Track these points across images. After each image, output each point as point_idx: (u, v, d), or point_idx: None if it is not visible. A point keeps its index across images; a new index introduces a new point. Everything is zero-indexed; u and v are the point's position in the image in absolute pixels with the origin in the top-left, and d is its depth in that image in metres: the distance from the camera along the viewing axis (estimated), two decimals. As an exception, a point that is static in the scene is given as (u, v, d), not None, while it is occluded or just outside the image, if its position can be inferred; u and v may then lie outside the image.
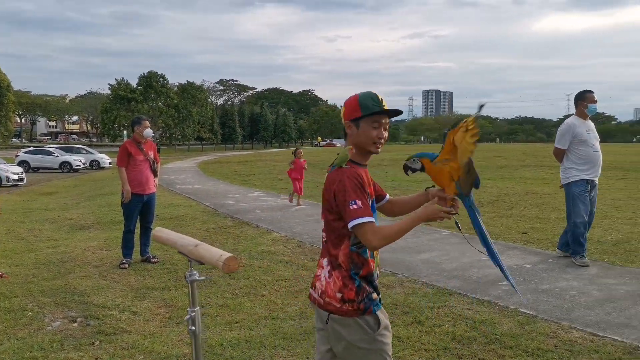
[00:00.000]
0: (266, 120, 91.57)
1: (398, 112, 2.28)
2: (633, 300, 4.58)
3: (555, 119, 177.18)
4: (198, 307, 1.97)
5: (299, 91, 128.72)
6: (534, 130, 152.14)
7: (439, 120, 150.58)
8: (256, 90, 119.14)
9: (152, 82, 65.44)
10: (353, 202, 2.05)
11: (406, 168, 2.36)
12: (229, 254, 1.74)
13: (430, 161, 2.25)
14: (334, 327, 2.17)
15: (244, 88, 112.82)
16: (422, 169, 2.30)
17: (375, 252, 2.21)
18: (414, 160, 2.33)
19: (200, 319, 1.98)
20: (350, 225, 2.06)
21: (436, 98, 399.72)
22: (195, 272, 1.94)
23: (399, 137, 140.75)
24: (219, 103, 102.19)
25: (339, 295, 2.15)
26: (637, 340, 3.73)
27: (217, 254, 1.74)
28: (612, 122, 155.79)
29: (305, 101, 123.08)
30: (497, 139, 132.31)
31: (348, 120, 2.20)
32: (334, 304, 2.16)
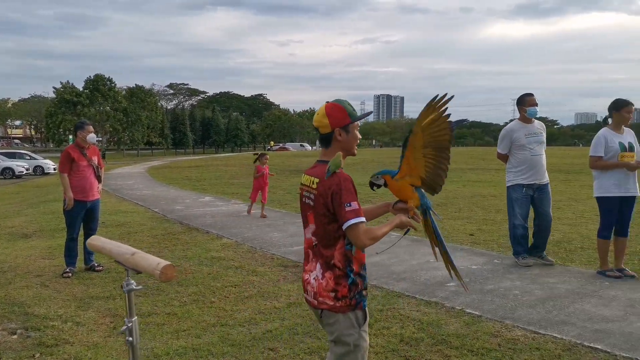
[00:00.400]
0: (218, 124, 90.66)
1: (369, 113, 2.90)
2: (572, 298, 4.75)
3: (502, 123, 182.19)
4: (135, 318, 1.92)
5: (251, 95, 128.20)
6: (481, 134, 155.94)
7: (390, 125, 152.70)
8: (207, 94, 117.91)
9: (99, 85, 63.82)
10: (348, 205, 2.27)
11: (371, 184, 2.61)
12: (166, 262, 1.70)
13: (392, 178, 2.55)
14: (329, 321, 2.41)
15: (195, 92, 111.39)
16: (385, 185, 2.56)
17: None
18: (377, 177, 2.61)
19: (138, 329, 1.93)
20: (345, 225, 2.27)
21: (387, 103, 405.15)
22: (132, 282, 1.89)
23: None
24: (169, 107, 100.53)
25: (332, 294, 2.36)
26: (576, 337, 3.87)
27: (154, 262, 1.70)
28: (555, 127, 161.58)
29: (258, 105, 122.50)
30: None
31: (338, 128, 2.42)
32: (327, 302, 2.38)
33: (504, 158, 6.14)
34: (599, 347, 3.70)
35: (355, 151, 2.50)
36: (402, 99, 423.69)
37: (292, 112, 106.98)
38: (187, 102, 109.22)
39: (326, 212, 2.34)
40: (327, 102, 2.50)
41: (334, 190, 2.29)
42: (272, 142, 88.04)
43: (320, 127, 2.46)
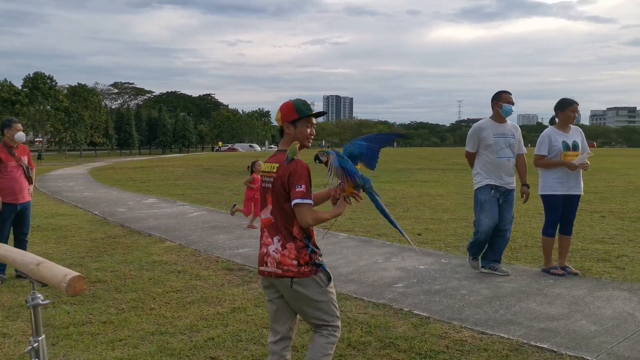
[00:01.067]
0: (165, 124, 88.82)
1: (323, 113, 2.98)
2: (518, 297, 4.76)
3: (447, 124, 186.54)
4: (43, 337, 1.71)
5: (199, 95, 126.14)
6: (428, 134, 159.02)
7: (340, 125, 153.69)
8: (154, 93, 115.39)
9: (38, 83, 61.34)
10: (299, 186, 2.65)
11: (316, 157, 2.85)
12: (75, 274, 1.51)
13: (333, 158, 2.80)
14: (297, 290, 2.73)
15: (140, 91, 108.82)
16: (326, 164, 2.80)
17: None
18: (324, 154, 2.83)
19: (46, 349, 1.72)
20: (293, 202, 2.66)
21: (337, 103, 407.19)
22: (39, 296, 1.68)
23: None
24: (113, 107, 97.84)
25: (294, 262, 2.71)
26: (522, 337, 3.85)
27: (60, 273, 1.51)
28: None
29: (206, 106, 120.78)
30: (395, 144, 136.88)
31: (286, 122, 2.82)
32: (292, 269, 2.71)
33: (472, 157, 5.64)
34: (545, 346, 3.69)
35: (308, 144, 2.86)
36: (351, 99, 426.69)
37: (241, 113, 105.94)
38: (133, 102, 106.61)
39: (283, 192, 2.74)
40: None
41: (290, 173, 2.70)
42: (220, 143, 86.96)
43: (277, 121, 2.91)
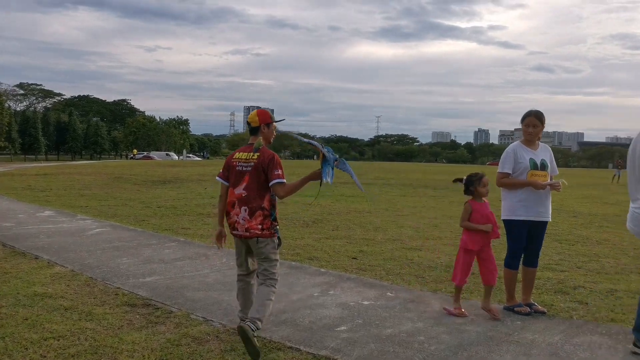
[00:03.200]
0: (75, 129, 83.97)
1: (283, 119, 4.53)
2: (488, 346, 3.96)
3: (366, 139, 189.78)
4: None
5: (114, 100, 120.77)
6: (348, 148, 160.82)
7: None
8: (64, 97, 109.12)
9: None
10: (277, 170, 3.87)
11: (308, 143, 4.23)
12: None
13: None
14: (260, 246, 3.92)
15: (49, 94, 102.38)
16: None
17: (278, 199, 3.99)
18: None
19: None
20: (272, 182, 3.86)
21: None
22: None
23: (219, 152, 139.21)
24: (18, 109, 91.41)
25: (259, 226, 3.87)
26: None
27: None
28: (415, 144, 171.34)
29: (121, 111, 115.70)
30: (315, 157, 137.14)
31: (263, 124, 4.06)
32: (257, 232, 3.87)
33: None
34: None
35: (271, 141, 4.11)
36: (272, 111, 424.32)
37: (158, 120, 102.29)
38: (41, 105, 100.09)
39: (262, 174, 3.88)
40: (259, 108, 4.57)
41: (269, 159, 3.88)
42: (134, 150, 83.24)
43: (252, 122, 4.06)
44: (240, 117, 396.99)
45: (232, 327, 4.29)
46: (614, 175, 37.62)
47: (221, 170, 4.16)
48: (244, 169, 3.95)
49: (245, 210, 3.87)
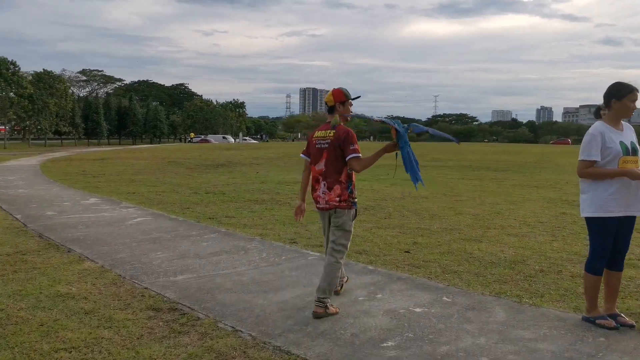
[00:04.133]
0: (135, 114, 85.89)
1: (358, 97, 4.55)
2: (567, 373, 3.25)
3: (424, 119, 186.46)
4: None
5: (172, 85, 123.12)
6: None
7: (316, 118, 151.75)
8: (124, 82, 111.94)
9: (1, 69, 58.22)
10: (352, 145, 4.14)
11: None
12: None
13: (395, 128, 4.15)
14: (337, 215, 4.22)
15: (110, 79, 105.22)
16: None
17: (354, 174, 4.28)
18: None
19: None
20: (348, 157, 4.14)
21: (313, 96, 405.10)
22: None
23: (275, 134, 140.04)
24: (81, 95, 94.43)
25: (337, 199, 4.19)
26: None
27: None
28: (474, 123, 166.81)
29: (179, 95, 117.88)
30: (371, 137, 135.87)
31: (338, 102, 4.35)
32: (335, 204, 4.20)
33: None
34: None
35: (349, 117, 4.41)
36: (327, 92, 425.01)
37: (215, 103, 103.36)
38: (102, 90, 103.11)
39: (338, 150, 4.19)
40: (334, 88, 4.41)
41: (345, 136, 4.18)
42: (192, 134, 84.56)
43: (328, 102, 4.39)
44: (295, 99, 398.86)
45: (263, 339, 3.74)
46: None
47: (305, 148, 4.54)
48: (323, 146, 4.28)
49: (325, 184, 4.23)
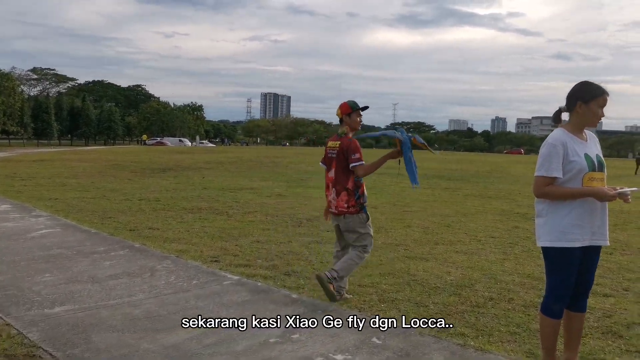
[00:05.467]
0: (88, 114, 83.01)
1: (366, 107, 4.77)
2: None
3: (383, 126, 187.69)
4: None
5: (129, 86, 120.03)
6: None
7: (276, 123, 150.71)
8: (77, 82, 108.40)
9: (-59, 65, 55.25)
10: (354, 155, 4.49)
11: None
12: None
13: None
14: (346, 220, 4.58)
15: (62, 79, 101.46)
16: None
17: (363, 179, 4.62)
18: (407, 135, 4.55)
19: None
20: (351, 165, 4.49)
21: (274, 101, 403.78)
22: None
23: (235, 138, 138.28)
24: (32, 94, 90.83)
25: (345, 205, 4.54)
26: None
27: None
28: (431, 132, 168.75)
29: (135, 97, 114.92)
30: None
31: (345, 115, 4.68)
32: (343, 209, 4.55)
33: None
34: None
35: (358, 127, 4.74)
36: (289, 98, 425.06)
37: (173, 106, 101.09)
38: (54, 90, 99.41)
39: (344, 159, 4.55)
40: (343, 102, 4.74)
41: (348, 146, 4.53)
42: (144, 136, 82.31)
43: (338, 115, 4.73)
44: (257, 104, 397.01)
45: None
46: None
47: (323, 157, 4.89)
48: (332, 155, 4.68)
49: (334, 191, 4.60)
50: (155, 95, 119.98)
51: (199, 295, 4.71)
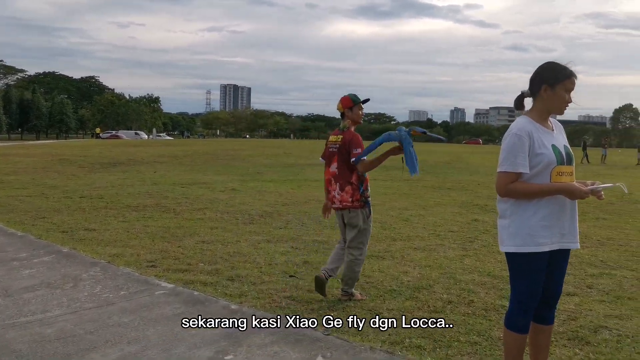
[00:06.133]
0: (39, 107, 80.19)
1: (367, 100, 4.74)
2: None
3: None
4: None
5: (82, 77, 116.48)
6: (325, 127, 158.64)
7: (236, 115, 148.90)
8: (27, 73, 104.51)
9: None
10: (356, 149, 4.43)
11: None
12: None
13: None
14: (350, 215, 4.51)
15: (11, 70, 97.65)
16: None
17: (366, 173, 4.57)
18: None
19: None
20: (352, 160, 4.43)
21: (234, 93, 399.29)
22: None
23: (193, 130, 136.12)
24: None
25: (350, 199, 4.48)
26: None
27: None
28: (392, 123, 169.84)
29: (89, 89, 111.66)
30: (292, 135, 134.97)
31: (346, 109, 4.60)
32: (347, 204, 4.49)
33: None
34: None
35: (360, 121, 4.66)
36: (249, 89, 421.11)
37: (128, 97, 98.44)
38: (2, 82, 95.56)
39: (346, 154, 4.48)
40: (343, 95, 4.67)
41: (350, 140, 4.48)
42: (98, 129, 79.88)
43: (339, 109, 4.67)
44: (216, 96, 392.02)
45: None
46: (602, 155, 36.30)
47: (323, 152, 4.82)
48: (333, 149, 4.61)
49: (338, 185, 4.54)
50: (110, 87, 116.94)
51: (125, 309, 4.15)
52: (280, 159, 28.00)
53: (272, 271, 5.58)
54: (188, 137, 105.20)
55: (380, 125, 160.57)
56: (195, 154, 30.15)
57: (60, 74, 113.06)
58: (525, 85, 2.87)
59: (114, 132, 76.34)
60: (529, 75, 2.86)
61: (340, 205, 4.57)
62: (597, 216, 10.01)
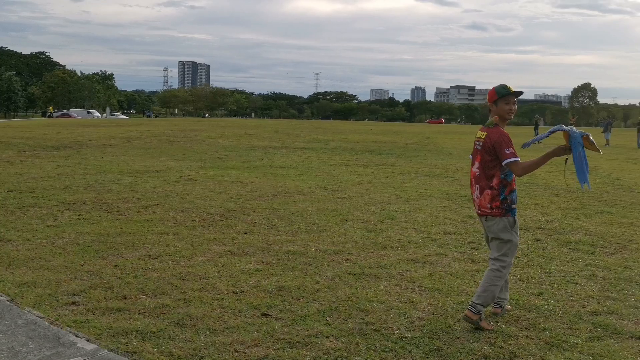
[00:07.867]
0: (-16, 84, 75.96)
1: (519, 93, 4.00)
2: None
3: (305, 96, 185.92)
4: None
5: (31, 53, 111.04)
6: (286, 106, 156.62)
7: (194, 93, 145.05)
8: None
9: None
10: (508, 149, 3.80)
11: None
12: None
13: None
14: (488, 223, 3.97)
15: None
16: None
17: (515, 177, 3.94)
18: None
19: None
20: (505, 162, 3.81)
21: (193, 70, 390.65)
22: None
23: (150, 108, 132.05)
24: None
25: (488, 205, 3.93)
26: None
27: None
28: (354, 101, 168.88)
29: (39, 65, 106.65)
30: (253, 114, 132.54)
31: (491, 102, 4.00)
32: (486, 210, 3.95)
33: None
34: None
35: (509, 117, 3.99)
36: (208, 67, 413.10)
37: (80, 74, 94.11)
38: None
39: (489, 153, 3.91)
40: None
41: (496, 140, 3.85)
42: (51, 108, 76.13)
43: (488, 103, 4.08)
44: (174, 73, 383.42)
45: None
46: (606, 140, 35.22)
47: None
48: (478, 147, 4.10)
49: (477, 188, 4.05)
50: (62, 63, 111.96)
51: None
52: (242, 140, 26.29)
53: (237, 305, 4.19)
54: (149, 116, 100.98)
55: (342, 103, 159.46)
56: (150, 135, 28.16)
57: (8, 50, 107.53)
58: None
59: (65, 111, 72.81)
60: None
61: (479, 211, 4.08)
62: (601, 209, 8.95)
